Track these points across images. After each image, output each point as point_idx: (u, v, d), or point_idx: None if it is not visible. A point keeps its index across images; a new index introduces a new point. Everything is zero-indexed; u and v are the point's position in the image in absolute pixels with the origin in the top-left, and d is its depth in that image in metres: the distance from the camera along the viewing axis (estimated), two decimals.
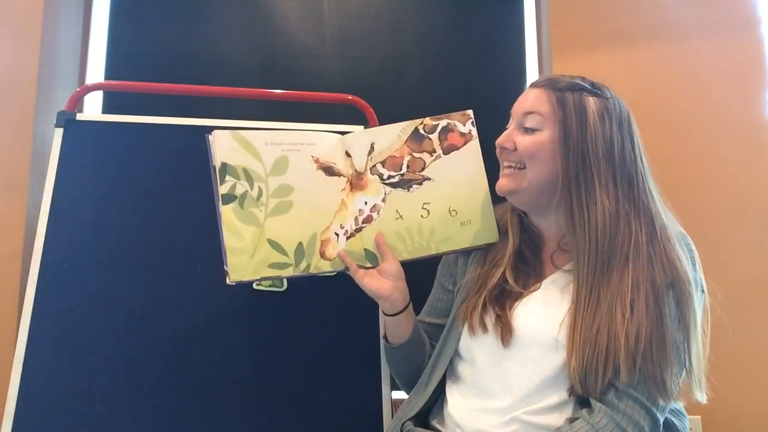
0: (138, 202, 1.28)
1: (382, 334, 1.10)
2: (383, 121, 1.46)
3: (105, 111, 1.74)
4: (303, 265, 1.03)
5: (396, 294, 1.04)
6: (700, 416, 1.56)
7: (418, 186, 1.08)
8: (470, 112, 1.11)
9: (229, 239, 1.00)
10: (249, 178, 1.03)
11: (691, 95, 1.72)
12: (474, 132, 1.10)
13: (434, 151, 1.09)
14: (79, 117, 1.32)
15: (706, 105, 1.71)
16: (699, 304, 0.92)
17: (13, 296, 1.47)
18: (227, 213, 1.01)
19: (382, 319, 1.16)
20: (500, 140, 1.01)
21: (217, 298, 1.24)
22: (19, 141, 1.54)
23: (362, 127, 1.42)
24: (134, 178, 1.30)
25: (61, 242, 1.22)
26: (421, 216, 1.07)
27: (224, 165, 1.02)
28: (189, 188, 1.31)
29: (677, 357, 0.87)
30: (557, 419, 0.90)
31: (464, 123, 1.10)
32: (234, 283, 0.99)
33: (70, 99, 1.35)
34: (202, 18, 1.79)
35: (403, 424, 1.04)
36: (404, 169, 1.09)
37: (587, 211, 0.91)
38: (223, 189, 1.01)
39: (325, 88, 1.73)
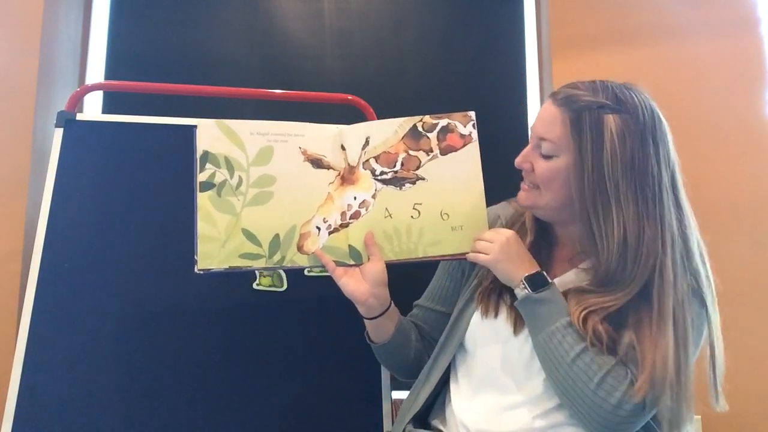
0: (138, 202, 1.28)
1: (365, 332, 1.09)
2: None
3: (105, 111, 1.74)
4: (277, 258, 1.01)
5: (372, 300, 1.01)
6: (700, 416, 1.56)
7: (411, 185, 1.05)
8: (472, 113, 1.07)
9: (201, 227, 0.99)
10: (230, 167, 1.02)
11: (691, 95, 1.72)
12: (474, 134, 1.06)
13: (431, 151, 1.06)
14: (79, 117, 1.32)
15: (706, 105, 1.71)
16: (716, 320, 0.93)
17: (13, 296, 1.47)
18: (203, 201, 1.00)
19: None
20: (518, 160, 0.99)
21: (217, 298, 1.24)
22: (19, 141, 1.54)
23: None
24: (134, 178, 1.30)
25: (61, 242, 1.22)
26: (411, 216, 1.04)
27: (206, 153, 1.02)
28: (189, 188, 1.29)
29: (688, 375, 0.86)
30: (565, 417, 0.90)
31: (465, 124, 1.06)
32: (202, 272, 0.98)
33: (70, 99, 1.35)
34: (202, 18, 1.79)
35: (404, 429, 1.04)
36: (398, 167, 1.05)
37: (605, 238, 0.89)
38: (201, 177, 1.01)
39: (325, 88, 1.72)
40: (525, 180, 1.00)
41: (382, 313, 1.04)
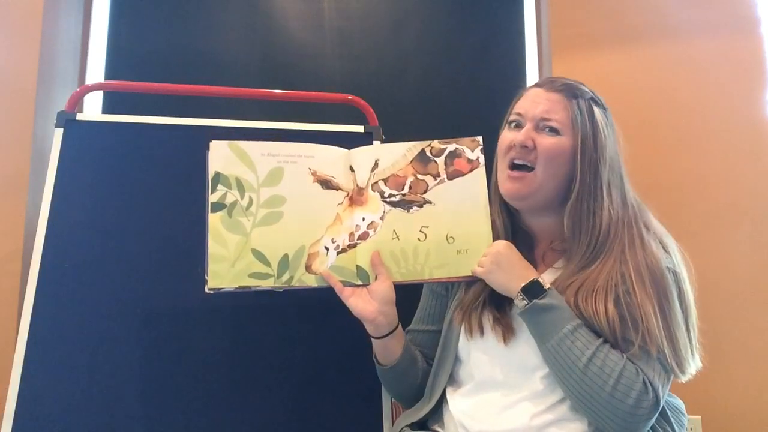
0: (138, 202, 1.28)
1: (373, 355, 1.10)
2: (382, 120, 1.46)
3: (105, 111, 1.73)
4: (285, 277, 1.03)
5: (381, 318, 1.02)
6: (700, 416, 1.56)
7: (418, 208, 1.07)
8: (479, 138, 1.08)
9: (212, 247, 1.01)
10: (240, 188, 1.04)
11: (691, 95, 1.72)
12: (481, 159, 1.07)
13: (438, 175, 1.07)
14: (79, 117, 1.32)
15: (706, 105, 1.71)
16: (689, 284, 0.96)
17: (13, 296, 1.47)
18: (214, 221, 1.02)
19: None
20: (520, 138, 0.99)
21: (216, 298, 1.23)
22: (19, 141, 1.54)
23: (362, 127, 1.42)
24: (134, 178, 1.30)
25: (61, 242, 1.22)
26: (418, 239, 1.05)
27: (217, 174, 1.03)
28: (189, 188, 1.30)
29: (680, 332, 0.90)
30: (566, 412, 0.91)
31: (473, 149, 1.07)
32: (212, 291, 1.00)
33: (70, 99, 1.35)
34: (202, 18, 1.79)
35: (400, 430, 1.05)
36: (406, 190, 1.07)
37: (593, 218, 0.96)
38: (213, 198, 1.02)
39: (325, 88, 1.72)
40: (511, 165, 1.00)
41: (391, 332, 1.05)
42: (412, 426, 1.05)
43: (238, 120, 1.39)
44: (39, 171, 1.53)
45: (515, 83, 1.84)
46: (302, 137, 1.38)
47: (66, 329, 1.17)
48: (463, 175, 1.07)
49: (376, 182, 1.08)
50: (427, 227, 1.05)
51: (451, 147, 1.08)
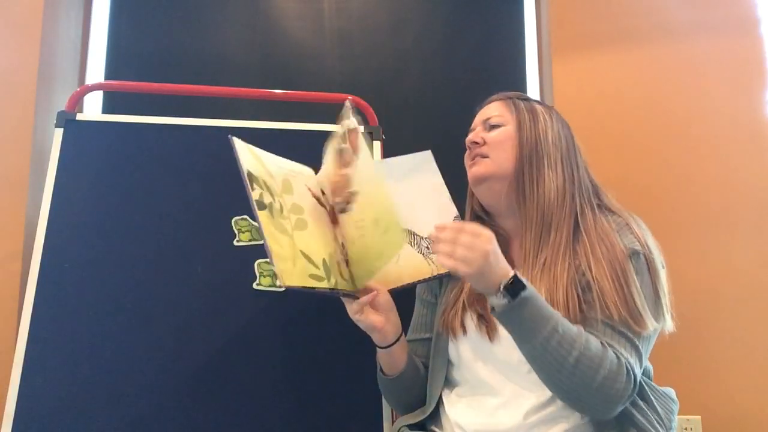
0: (138, 202, 1.28)
1: (378, 367, 1.10)
2: (382, 120, 1.47)
3: (105, 111, 1.74)
4: (333, 281, 0.98)
5: (388, 326, 1.04)
6: (699, 416, 1.56)
7: (354, 201, 1.06)
8: (346, 101, 1.09)
9: (272, 245, 0.91)
10: (270, 191, 0.99)
11: (691, 95, 1.72)
12: (358, 120, 1.07)
13: (352, 158, 1.07)
14: (79, 117, 1.33)
15: (706, 105, 1.71)
16: (657, 263, 0.97)
17: (13, 296, 1.47)
18: (264, 219, 0.94)
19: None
20: (471, 137, 1.10)
21: (216, 298, 1.24)
22: (19, 141, 1.54)
23: (362, 127, 1.41)
24: (134, 178, 1.30)
25: (61, 242, 1.22)
26: (368, 219, 1.05)
27: (249, 173, 0.97)
28: (189, 188, 1.31)
29: (638, 296, 0.91)
30: (558, 409, 0.92)
31: (350, 117, 1.07)
32: (286, 288, 0.91)
33: (70, 99, 1.35)
34: (202, 18, 1.79)
35: (399, 429, 1.06)
36: (349, 189, 1.07)
37: (536, 187, 1.02)
38: (254, 195, 0.95)
39: (325, 88, 1.72)
40: (472, 156, 1.08)
41: (398, 339, 1.06)
42: (411, 427, 1.06)
43: (238, 120, 1.39)
44: (39, 171, 1.53)
45: (515, 83, 1.85)
46: (302, 137, 1.39)
47: (66, 329, 1.18)
48: (359, 147, 1.06)
49: (333, 204, 1.08)
50: (362, 220, 1.05)
51: (343, 127, 1.07)
